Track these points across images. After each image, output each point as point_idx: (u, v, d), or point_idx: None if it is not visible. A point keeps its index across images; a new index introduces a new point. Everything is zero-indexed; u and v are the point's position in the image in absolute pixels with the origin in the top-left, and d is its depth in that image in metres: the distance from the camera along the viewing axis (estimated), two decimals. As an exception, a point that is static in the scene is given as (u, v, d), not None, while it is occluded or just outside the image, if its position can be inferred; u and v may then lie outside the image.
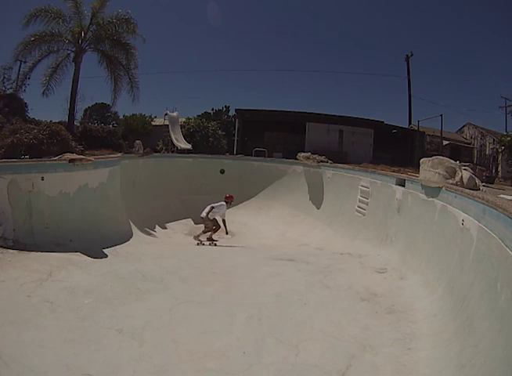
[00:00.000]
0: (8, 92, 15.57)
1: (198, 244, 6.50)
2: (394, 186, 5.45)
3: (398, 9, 63.52)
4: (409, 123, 26.53)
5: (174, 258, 4.72)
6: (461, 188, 3.76)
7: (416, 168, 6.87)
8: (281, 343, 2.50)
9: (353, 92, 63.69)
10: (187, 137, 13.55)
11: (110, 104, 16.12)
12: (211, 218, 6.72)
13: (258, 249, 5.95)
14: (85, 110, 24.20)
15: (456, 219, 3.40)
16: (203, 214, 6.76)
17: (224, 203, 6.96)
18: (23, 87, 14.98)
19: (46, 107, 48.59)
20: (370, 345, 2.48)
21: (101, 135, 14.46)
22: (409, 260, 4.24)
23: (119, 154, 8.15)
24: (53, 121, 13.97)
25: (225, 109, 25.65)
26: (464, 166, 4.86)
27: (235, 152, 17.52)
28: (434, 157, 4.80)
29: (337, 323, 2.84)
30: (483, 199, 2.85)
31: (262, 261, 4.83)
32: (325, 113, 20.40)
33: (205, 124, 16.64)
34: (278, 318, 2.91)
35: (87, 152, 8.60)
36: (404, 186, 5.17)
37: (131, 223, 6.23)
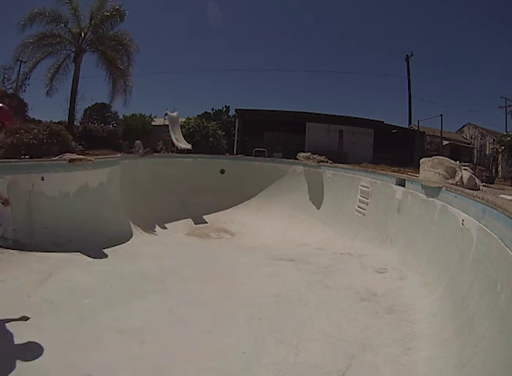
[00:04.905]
0: (8, 92, 15.57)
1: None
2: (394, 186, 5.44)
3: (398, 9, 63.52)
4: (409, 123, 26.54)
5: (174, 258, 4.72)
6: (461, 188, 3.76)
7: (416, 168, 6.87)
8: (281, 343, 2.50)
9: (353, 92, 63.77)
10: (187, 137, 13.54)
11: (108, 104, 16.27)
12: None
13: (258, 249, 5.94)
14: (85, 110, 24.25)
15: (456, 219, 3.40)
16: None
17: None
18: (23, 87, 15.01)
19: (46, 107, 48.64)
20: (370, 345, 2.48)
21: (101, 135, 14.48)
22: (409, 260, 4.24)
23: (119, 154, 8.15)
24: (53, 121, 13.99)
25: (225, 109, 25.70)
26: (464, 166, 4.86)
27: (235, 152, 17.53)
28: (434, 157, 4.80)
29: (337, 323, 2.84)
30: (483, 199, 2.85)
31: (262, 261, 4.82)
32: (325, 113, 20.44)
33: (205, 124, 16.64)
34: (278, 318, 2.91)
35: (87, 152, 8.61)
36: (404, 186, 5.16)
37: (131, 223, 6.22)
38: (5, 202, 3.18)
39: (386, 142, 20.56)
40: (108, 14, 13.09)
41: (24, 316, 2.59)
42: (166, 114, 13.05)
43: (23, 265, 3.62)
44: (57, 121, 15.03)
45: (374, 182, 6.20)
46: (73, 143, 8.25)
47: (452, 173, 4.36)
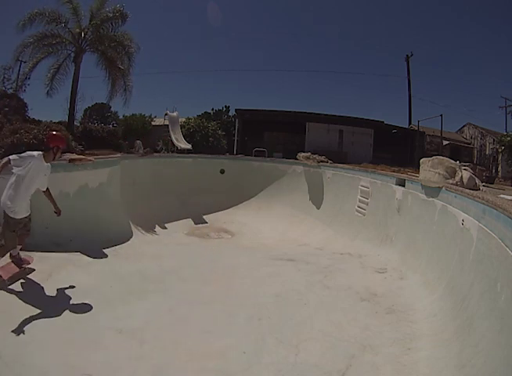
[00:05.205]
0: (8, 92, 15.54)
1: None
2: (394, 186, 5.45)
3: (398, 9, 63.54)
4: (409, 123, 26.52)
5: (174, 258, 4.72)
6: (461, 188, 3.76)
7: (416, 168, 6.86)
8: (281, 343, 2.50)
9: (353, 92, 63.72)
10: (187, 137, 13.51)
11: (106, 103, 16.24)
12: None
13: (258, 249, 5.94)
14: (85, 110, 24.21)
15: (456, 219, 3.40)
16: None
17: (37, 153, 3.31)
18: (23, 87, 14.97)
19: (46, 107, 48.58)
20: (370, 345, 2.48)
21: (101, 135, 14.47)
22: (409, 260, 4.24)
23: (119, 154, 8.15)
24: (53, 121, 14.00)
25: (225, 109, 25.67)
26: (464, 166, 4.86)
27: (235, 152, 17.50)
28: (434, 157, 4.80)
29: (337, 323, 2.85)
30: (483, 199, 2.85)
31: (262, 261, 4.82)
32: (325, 113, 20.39)
33: (205, 124, 16.60)
34: (278, 318, 2.91)
35: (87, 152, 8.59)
36: (404, 186, 5.17)
37: (131, 223, 6.22)
38: (58, 212, 3.68)
39: (386, 142, 20.56)
40: (111, 15, 13.06)
41: (24, 316, 2.59)
42: (166, 114, 13.05)
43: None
44: (57, 121, 15.03)
45: (374, 182, 6.20)
46: (73, 143, 8.24)
47: (452, 173, 4.36)
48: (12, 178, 3.14)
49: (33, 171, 3.20)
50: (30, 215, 3.39)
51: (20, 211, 3.20)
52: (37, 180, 3.31)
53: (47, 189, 3.51)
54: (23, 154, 3.18)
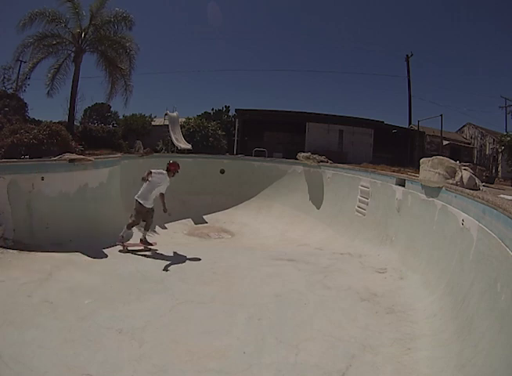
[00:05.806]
0: (8, 92, 15.53)
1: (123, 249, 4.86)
2: (394, 186, 5.45)
3: (399, 8, 63.58)
4: (409, 123, 26.47)
5: (174, 258, 4.72)
6: (461, 188, 3.76)
7: (416, 168, 6.87)
8: (281, 343, 2.51)
9: (353, 92, 63.76)
10: (187, 137, 13.50)
11: (106, 103, 16.17)
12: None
13: (258, 249, 5.94)
14: (85, 110, 24.21)
15: (456, 219, 3.40)
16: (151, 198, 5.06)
17: (164, 171, 5.12)
18: (23, 87, 14.97)
19: (46, 107, 48.68)
20: (370, 345, 2.48)
21: (101, 135, 14.51)
22: (409, 260, 4.24)
23: (119, 154, 8.15)
24: (53, 121, 14.00)
25: (225, 109, 25.61)
26: (464, 166, 4.87)
27: (235, 152, 17.48)
28: (434, 157, 4.80)
29: (337, 323, 2.85)
30: (483, 199, 2.85)
31: (262, 261, 4.82)
32: (325, 113, 20.40)
33: (205, 124, 16.57)
34: (278, 318, 2.91)
35: (87, 152, 8.60)
36: (404, 186, 5.16)
37: (131, 223, 6.22)
38: (165, 210, 5.18)
39: (386, 142, 20.55)
40: (111, 19, 13.04)
41: (24, 316, 2.59)
42: (166, 114, 13.07)
43: (23, 265, 3.63)
44: (57, 121, 15.04)
45: (374, 182, 6.20)
46: (73, 143, 8.24)
47: (452, 173, 4.36)
48: (147, 183, 4.91)
49: (158, 180, 4.95)
50: (153, 207, 5.13)
51: (146, 203, 4.96)
52: (160, 186, 5.00)
53: (163, 193, 5.10)
54: (158, 170, 5.00)
